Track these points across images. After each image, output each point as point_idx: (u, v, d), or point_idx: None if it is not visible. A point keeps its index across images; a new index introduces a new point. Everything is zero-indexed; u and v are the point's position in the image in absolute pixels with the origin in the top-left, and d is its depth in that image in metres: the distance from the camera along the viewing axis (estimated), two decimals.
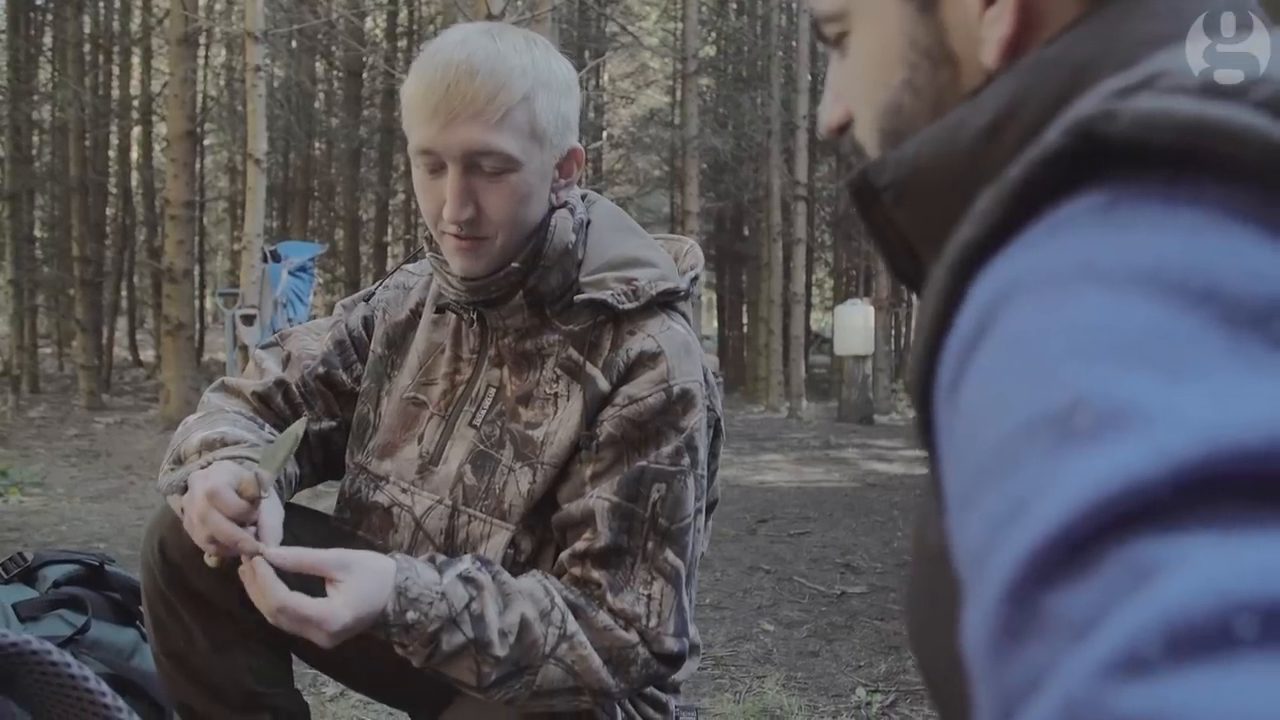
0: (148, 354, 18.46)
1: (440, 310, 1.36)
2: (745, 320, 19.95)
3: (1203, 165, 0.37)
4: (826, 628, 3.31)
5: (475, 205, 1.18)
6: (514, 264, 1.23)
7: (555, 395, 1.26)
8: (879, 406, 13.40)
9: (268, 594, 1.04)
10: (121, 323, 18.80)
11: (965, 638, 0.34)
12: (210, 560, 1.12)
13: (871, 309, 12.57)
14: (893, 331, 18.33)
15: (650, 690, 1.39)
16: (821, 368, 20.12)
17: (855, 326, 11.99)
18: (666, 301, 1.29)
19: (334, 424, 1.40)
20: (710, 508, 1.40)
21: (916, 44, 0.57)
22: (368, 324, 1.43)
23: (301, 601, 1.04)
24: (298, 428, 1.15)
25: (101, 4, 14.96)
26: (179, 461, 1.27)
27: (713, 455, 1.34)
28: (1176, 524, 0.29)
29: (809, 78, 14.75)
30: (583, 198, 1.35)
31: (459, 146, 1.15)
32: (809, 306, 17.99)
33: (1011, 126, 0.49)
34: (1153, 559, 0.29)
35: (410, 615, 1.09)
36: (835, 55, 0.65)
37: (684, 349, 1.25)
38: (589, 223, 1.31)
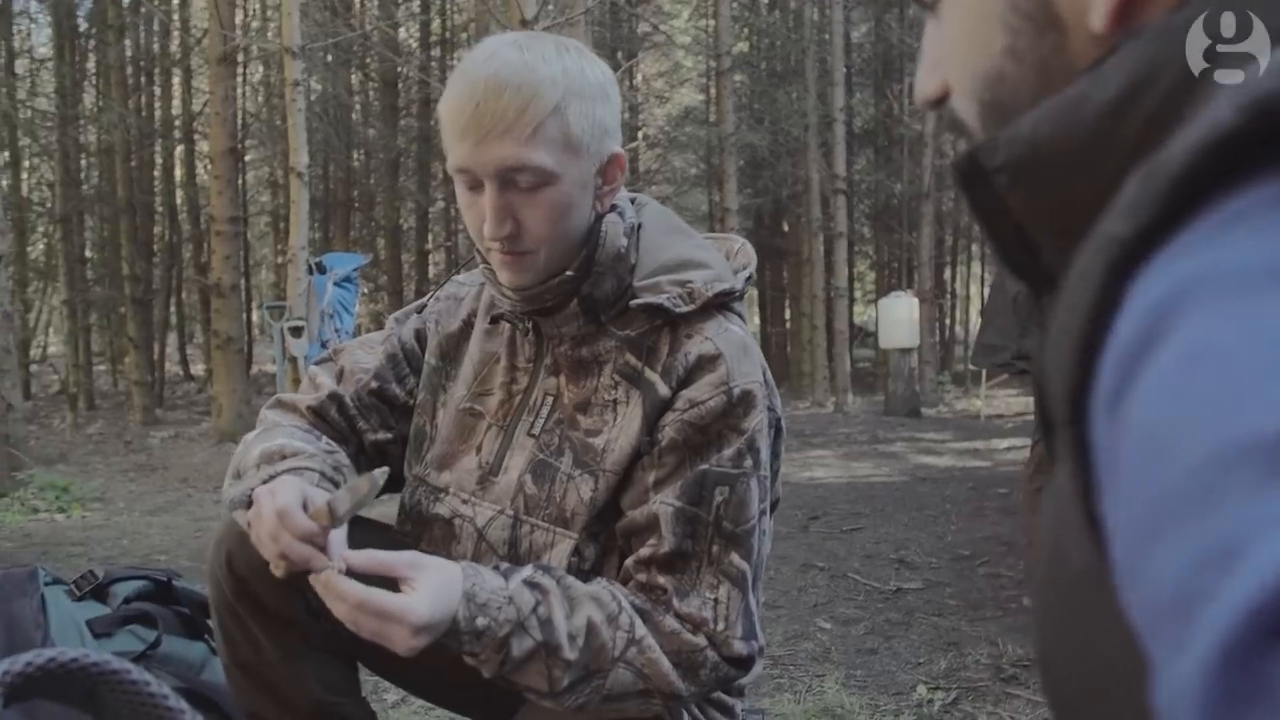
0: (198, 368, 18.76)
1: (495, 320, 1.36)
2: (788, 316, 19.87)
3: None
4: (884, 625, 3.28)
5: (514, 220, 1.17)
6: (568, 272, 1.23)
7: (614, 402, 1.26)
8: (926, 399, 13.27)
9: (345, 594, 1.04)
10: (172, 338, 19.13)
11: (1162, 695, 0.31)
12: (278, 571, 1.13)
13: (916, 301, 12.45)
14: (937, 323, 18.15)
15: (717, 695, 1.38)
16: (865, 361, 19.99)
17: (900, 319, 11.87)
18: (722, 303, 1.28)
19: (389, 436, 1.41)
20: (773, 506, 1.39)
21: (1018, 7, 0.52)
22: (420, 336, 1.44)
23: (381, 595, 1.04)
24: (379, 477, 1.11)
25: (142, 27, 15.21)
26: (239, 476, 1.28)
27: (774, 455, 1.32)
28: None
29: (843, 70, 14.64)
30: (631, 201, 1.34)
31: (492, 165, 1.14)
32: (851, 300, 17.86)
33: (1142, 100, 0.43)
34: None
35: (480, 621, 1.09)
36: (932, 21, 0.60)
37: (742, 350, 1.24)
38: (640, 226, 1.30)
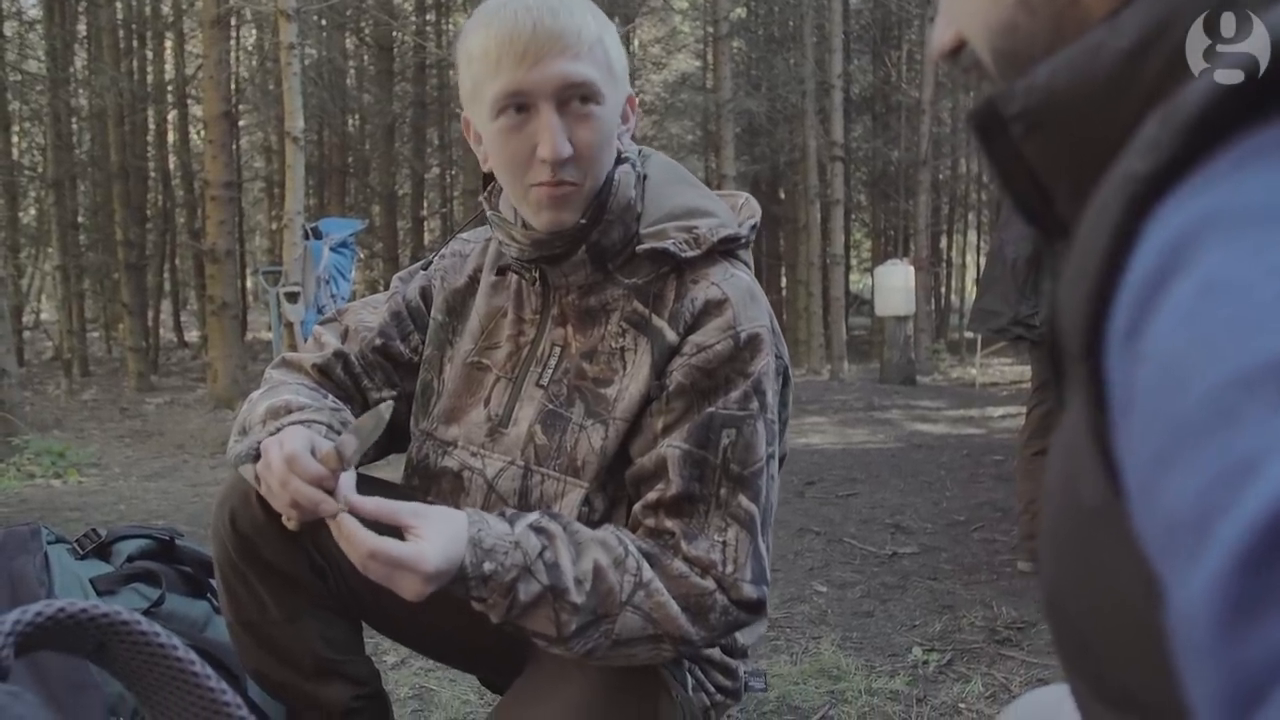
0: (193, 334, 18.74)
1: (500, 272, 1.36)
2: (784, 283, 19.84)
3: None
4: (879, 588, 3.30)
5: (570, 142, 1.19)
6: (580, 219, 1.23)
7: (622, 349, 1.26)
8: (921, 367, 13.30)
9: (357, 542, 1.05)
10: (166, 304, 19.08)
11: (1176, 610, 0.31)
12: (290, 524, 1.13)
13: (912, 269, 12.45)
14: (933, 292, 18.15)
15: (719, 656, 1.39)
16: (861, 329, 20.01)
17: (896, 287, 11.88)
18: (728, 249, 1.28)
19: (394, 394, 1.41)
20: (780, 460, 1.39)
21: None
22: (425, 294, 1.43)
23: (392, 544, 1.05)
24: (384, 411, 1.13)
25: None
26: (245, 432, 1.28)
27: (783, 404, 1.32)
28: None
29: (841, 36, 14.53)
30: (639, 152, 1.34)
31: (555, 80, 1.16)
32: (847, 268, 17.84)
33: (1157, 49, 0.44)
34: None
35: (487, 566, 1.09)
36: None
37: (749, 295, 1.24)
38: (645, 177, 1.30)
